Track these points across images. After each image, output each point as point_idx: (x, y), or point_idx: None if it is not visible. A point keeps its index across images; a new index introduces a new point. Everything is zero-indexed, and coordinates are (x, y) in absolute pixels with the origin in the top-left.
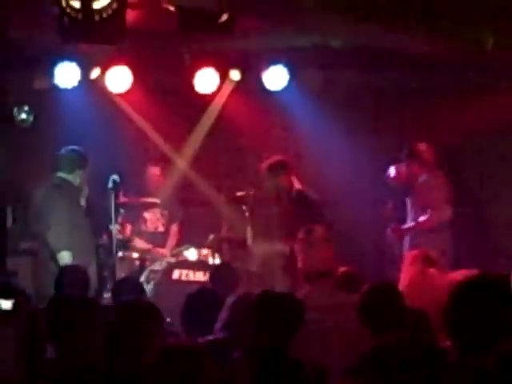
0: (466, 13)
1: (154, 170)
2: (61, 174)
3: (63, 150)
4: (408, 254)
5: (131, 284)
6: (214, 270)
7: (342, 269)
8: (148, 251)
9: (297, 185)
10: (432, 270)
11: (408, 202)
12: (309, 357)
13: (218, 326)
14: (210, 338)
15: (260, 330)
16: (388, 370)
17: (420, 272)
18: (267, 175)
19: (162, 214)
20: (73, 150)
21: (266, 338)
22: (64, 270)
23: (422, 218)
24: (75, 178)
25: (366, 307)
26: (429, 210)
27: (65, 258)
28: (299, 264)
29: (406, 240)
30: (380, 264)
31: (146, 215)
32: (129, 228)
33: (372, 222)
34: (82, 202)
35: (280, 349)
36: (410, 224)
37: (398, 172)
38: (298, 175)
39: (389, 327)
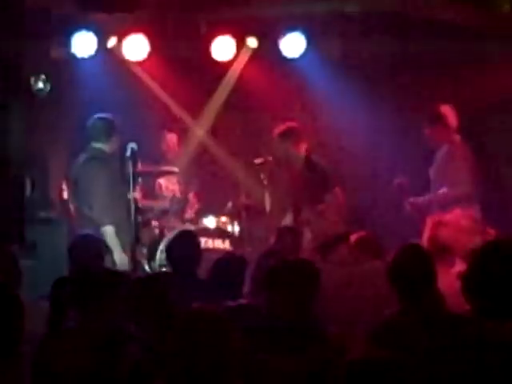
0: None
1: (171, 137)
2: (96, 145)
3: (92, 120)
4: (429, 219)
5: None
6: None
7: (357, 234)
8: (166, 213)
9: (306, 152)
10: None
11: (430, 172)
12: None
13: (246, 288)
14: (241, 301)
15: (276, 296)
16: (413, 339)
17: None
18: (277, 141)
19: (179, 182)
20: (102, 118)
21: (283, 305)
22: (78, 239)
23: (439, 192)
24: (112, 146)
25: (395, 270)
26: (446, 185)
27: (108, 232)
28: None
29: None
30: (399, 228)
31: (161, 181)
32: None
33: (390, 189)
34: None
35: (298, 315)
36: (426, 197)
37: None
38: (309, 143)
39: (418, 294)
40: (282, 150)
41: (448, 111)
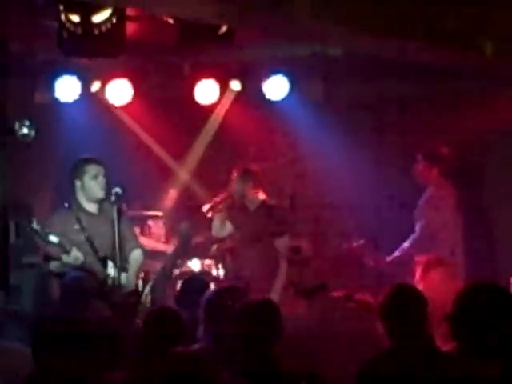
0: (465, 19)
1: (174, 194)
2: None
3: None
4: (420, 260)
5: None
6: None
7: (359, 296)
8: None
9: (261, 196)
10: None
11: (415, 212)
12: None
13: (199, 331)
14: (196, 346)
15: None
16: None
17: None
18: (236, 180)
19: (165, 225)
20: None
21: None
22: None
23: (405, 244)
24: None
25: (388, 309)
26: (412, 235)
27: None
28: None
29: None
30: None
31: (150, 223)
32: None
33: (373, 232)
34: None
35: (263, 358)
36: (394, 255)
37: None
38: (266, 189)
39: (409, 333)
40: (240, 190)
41: (444, 151)
